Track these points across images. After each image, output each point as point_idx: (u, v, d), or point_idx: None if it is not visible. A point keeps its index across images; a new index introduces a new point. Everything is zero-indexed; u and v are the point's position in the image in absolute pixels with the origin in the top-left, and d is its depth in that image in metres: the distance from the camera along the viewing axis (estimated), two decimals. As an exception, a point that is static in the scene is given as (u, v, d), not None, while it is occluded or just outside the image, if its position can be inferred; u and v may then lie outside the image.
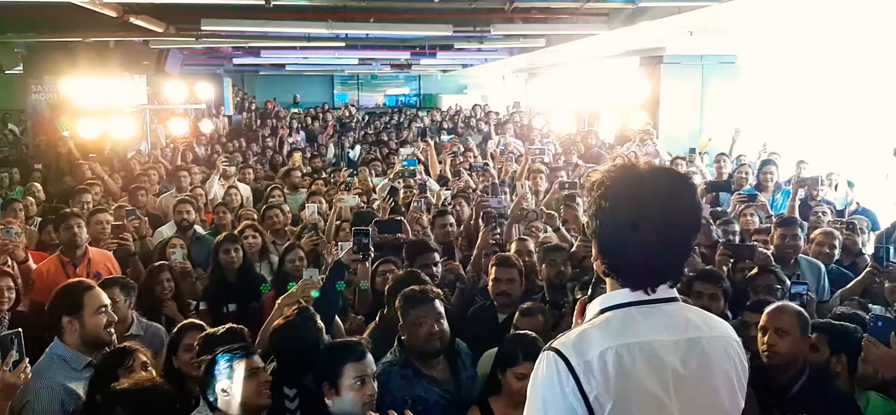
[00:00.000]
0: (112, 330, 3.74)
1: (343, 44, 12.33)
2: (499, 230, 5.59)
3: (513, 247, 5.29)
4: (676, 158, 10.27)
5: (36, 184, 9.26)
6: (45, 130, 12.02)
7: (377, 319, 4.35)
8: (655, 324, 1.93)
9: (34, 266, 5.78)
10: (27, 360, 3.21)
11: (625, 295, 1.95)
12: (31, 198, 8.39)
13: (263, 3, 6.33)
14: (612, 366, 1.84)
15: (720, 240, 5.08)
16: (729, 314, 4.37)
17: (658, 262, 1.95)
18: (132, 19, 8.82)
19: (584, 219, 4.76)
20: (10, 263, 5.52)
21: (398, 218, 5.85)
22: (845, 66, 11.95)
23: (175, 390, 3.39)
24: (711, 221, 5.47)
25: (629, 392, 1.86)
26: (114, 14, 8.32)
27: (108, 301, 3.79)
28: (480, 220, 5.70)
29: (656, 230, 1.90)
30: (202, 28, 8.92)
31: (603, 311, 1.96)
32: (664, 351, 1.91)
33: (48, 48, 11.58)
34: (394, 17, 9.36)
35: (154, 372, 3.49)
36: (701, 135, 12.75)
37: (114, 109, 11.46)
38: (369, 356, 3.27)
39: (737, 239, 5.89)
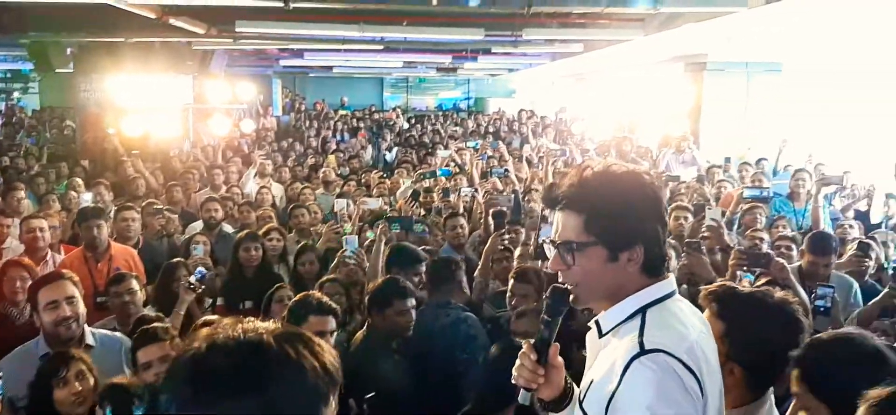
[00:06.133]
0: (71, 324, 3.64)
1: (382, 47, 12.42)
2: (508, 234, 5.47)
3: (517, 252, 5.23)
4: (712, 166, 10.06)
5: (77, 179, 9.45)
6: (92, 127, 12.35)
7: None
8: (689, 312, 1.91)
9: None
10: None
11: (660, 288, 1.86)
12: (72, 192, 8.58)
13: (282, 4, 6.40)
14: (699, 357, 1.76)
15: (735, 246, 4.92)
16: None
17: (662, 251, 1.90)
18: (172, 20, 9.04)
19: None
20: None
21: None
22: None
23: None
24: (723, 225, 5.33)
25: (711, 382, 1.80)
26: (153, 15, 8.53)
27: (64, 295, 3.66)
28: (490, 219, 5.64)
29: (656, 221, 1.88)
30: (236, 29, 9.07)
31: (646, 308, 1.83)
32: (706, 338, 1.89)
33: (96, 48, 11.91)
34: (427, 20, 9.38)
35: (91, 383, 3.20)
36: (744, 143, 12.41)
37: (157, 107, 11.74)
38: None
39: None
